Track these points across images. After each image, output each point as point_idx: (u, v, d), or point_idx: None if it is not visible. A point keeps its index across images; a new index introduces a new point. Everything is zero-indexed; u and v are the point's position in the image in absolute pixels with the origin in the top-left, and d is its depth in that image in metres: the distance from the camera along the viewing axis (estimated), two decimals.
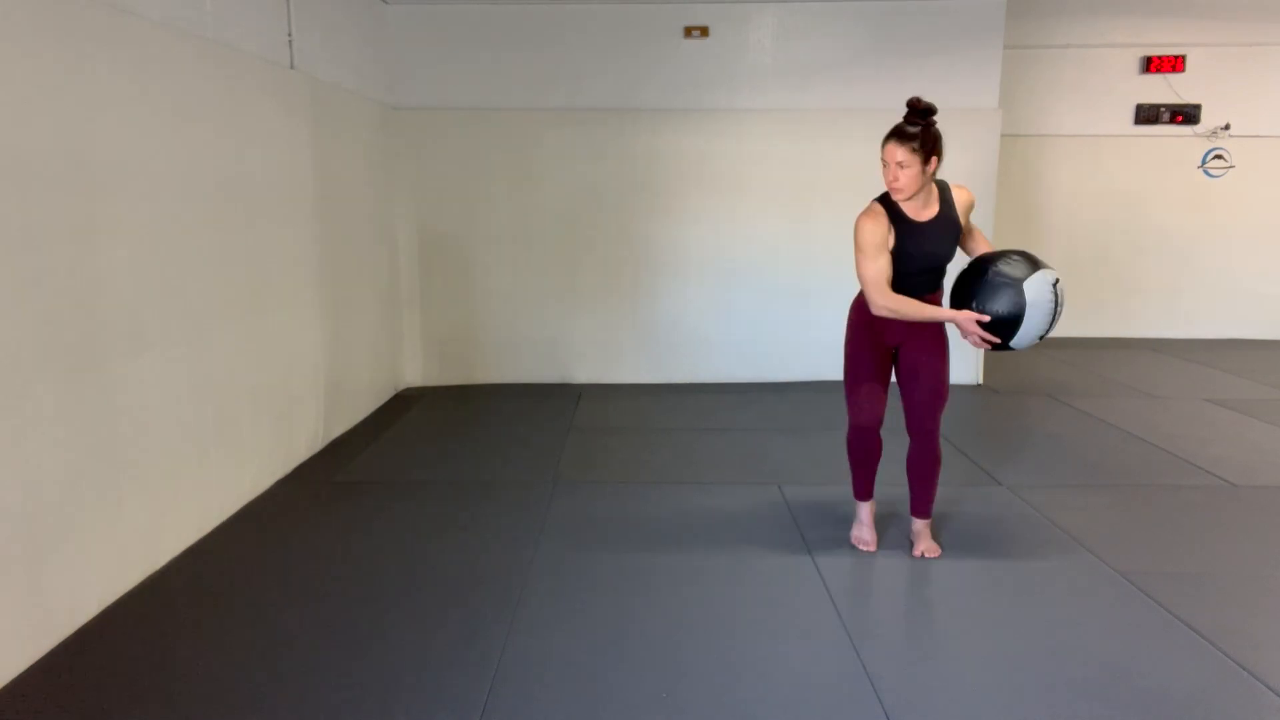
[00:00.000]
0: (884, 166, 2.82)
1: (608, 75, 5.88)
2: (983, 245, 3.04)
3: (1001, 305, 2.73)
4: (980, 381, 6.14)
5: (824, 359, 6.17)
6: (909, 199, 2.85)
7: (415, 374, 6.06)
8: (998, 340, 2.78)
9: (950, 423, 5.04)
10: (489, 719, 2.20)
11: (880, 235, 2.84)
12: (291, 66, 4.16)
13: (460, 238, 5.96)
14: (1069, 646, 2.54)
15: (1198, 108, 7.72)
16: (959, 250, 3.03)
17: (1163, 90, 7.73)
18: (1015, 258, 2.81)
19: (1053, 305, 2.74)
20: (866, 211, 2.89)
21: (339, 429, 4.76)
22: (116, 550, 2.83)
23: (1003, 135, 6.77)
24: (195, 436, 3.29)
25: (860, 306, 3.06)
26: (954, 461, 4.33)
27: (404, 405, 5.51)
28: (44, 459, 2.50)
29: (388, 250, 5.63)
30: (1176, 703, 2.26)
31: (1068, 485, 3.96)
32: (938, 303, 3.03)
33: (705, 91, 5.89)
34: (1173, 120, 7.74)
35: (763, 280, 6.04)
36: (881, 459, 3.24)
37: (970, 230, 3.05)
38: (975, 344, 2.82)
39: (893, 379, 3.16)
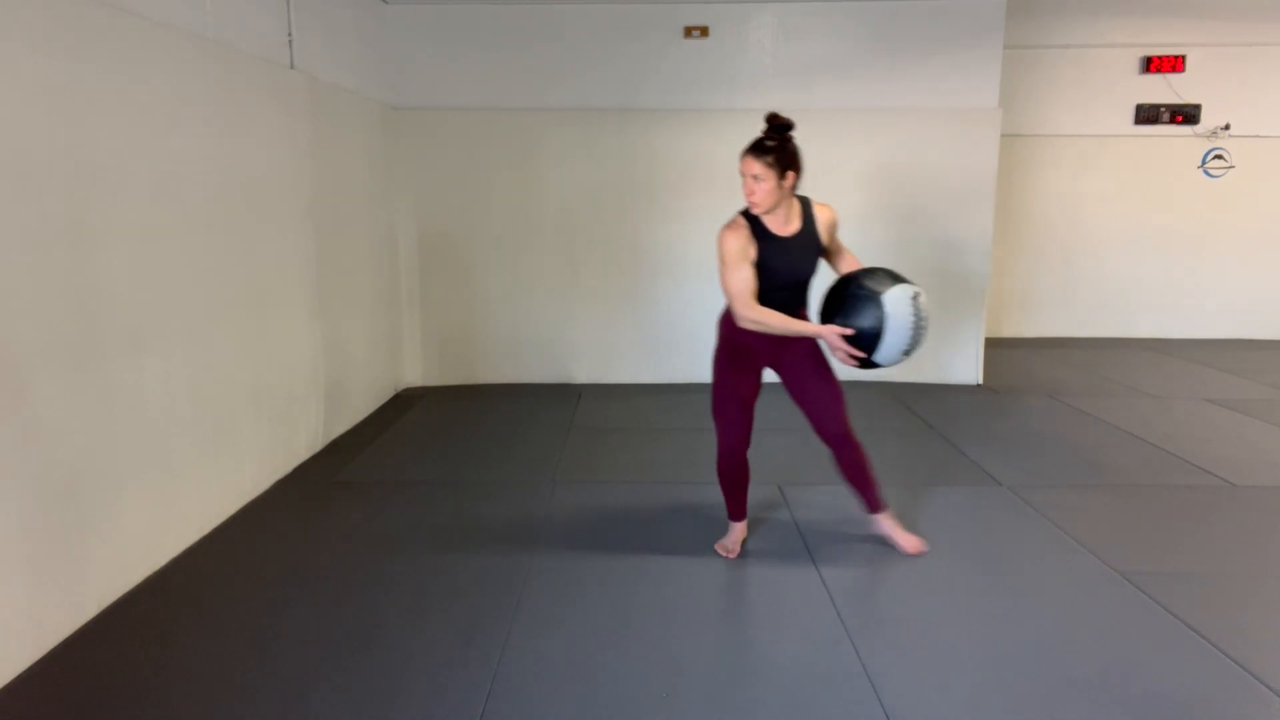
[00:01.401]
0: (742, 179, 2.85)
1: (608, 75, 5.88)
2: (851, 263, 3.07)
3: (863, 320, 2.74)
4: (980, 381, 6.14)
5: None
6: (767, 213, 2.87)
7: (415, 374, 6.06)
8: (863, 355, 2.78)
9: (950, 422, 5.05)
10: (489, 719, 2.20)
11: (740, 246, 2.84)
12: (291, 66, 4.16)
13: (460, 238, 5.96)
14: (1069, 646, 2.54)
15: (1198, 108, 7.72)
16: (830, 268, 3.08)
17: (1163, 90, 7.73)
18: (878, 274, 2.82)
19: (914, 319, 2.73)
20: (728, 224, 2.89)
21: (339, 429, 4.76)
22: (116, 550, 2.83)
23: (1003, 135, 6.78)
24: (195, 436, 3.29)
25: (728, 324, 3.04)
26: (954, 461, 4.33)
27: (404, 405, 5.51)
28: (44, 459, 2.50)
29: (388, 250, 5.63)
30: (1176, 703, 2.26)
31: (1068, 485, 3.96)
32: (804, 318, 3.05)
33: (705, 91, 5.89)
34: (1173, 120, 7.74)
35: None
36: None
37: (839, 249, 3.08)
38: (842, 360, 2.82)
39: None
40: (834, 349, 2.81)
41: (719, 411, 3.10)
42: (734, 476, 3.18)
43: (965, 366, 6.14)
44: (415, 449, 4.59)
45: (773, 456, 4.42)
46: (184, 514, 3.22)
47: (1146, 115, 7.74)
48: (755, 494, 3.83)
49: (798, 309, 3.01)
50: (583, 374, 6.14)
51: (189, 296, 3.25)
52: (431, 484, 4.00)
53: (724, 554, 3.20)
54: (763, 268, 2.87)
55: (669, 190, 5.99)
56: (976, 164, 5.92)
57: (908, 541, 3.20)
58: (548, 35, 5.82)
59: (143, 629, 2.64)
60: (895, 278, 2.80)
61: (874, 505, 3.20)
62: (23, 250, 2.42)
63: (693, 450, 4.52)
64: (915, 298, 2.75)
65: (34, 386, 2.46)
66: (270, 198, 3.91)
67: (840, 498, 3.79)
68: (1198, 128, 7.79)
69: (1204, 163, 7.87)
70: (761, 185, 2.79)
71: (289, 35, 4.14)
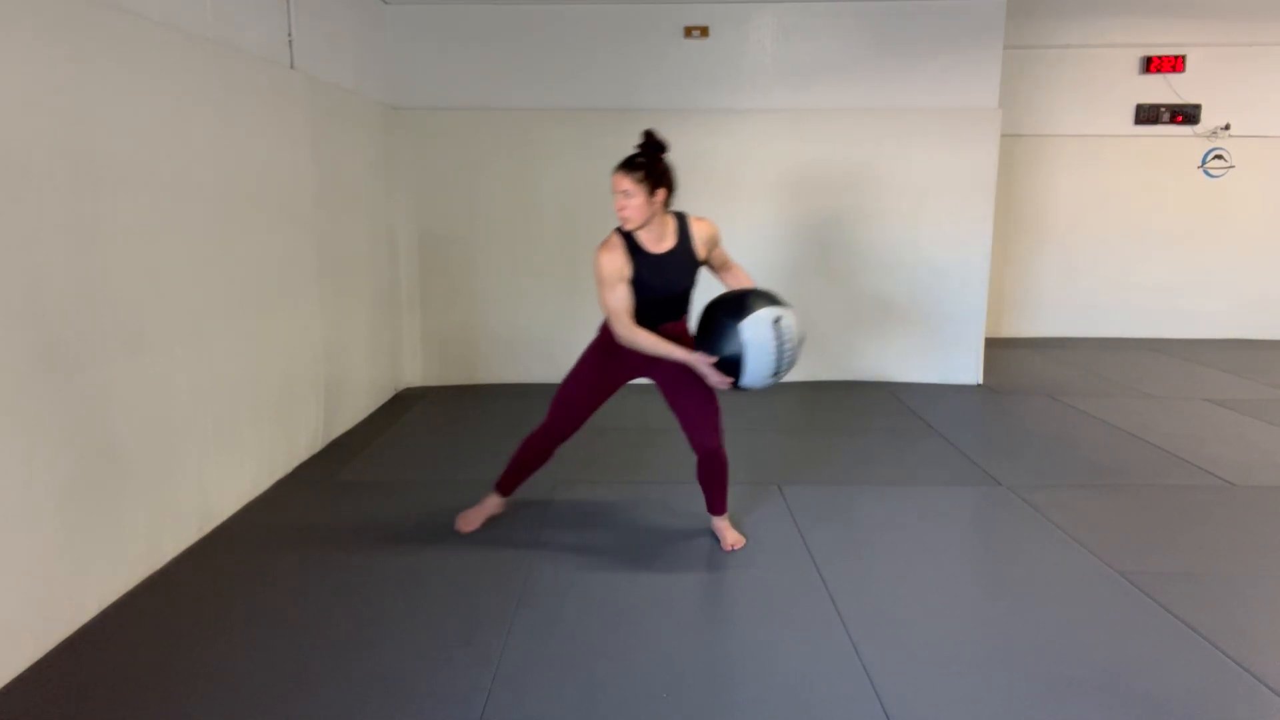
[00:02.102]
0: (614, 196, 2.89)
1: (608, 75, 5.88)
2: (738, 278, 3.11)
3: (726, 347, 2.77)
4: (980, 382, 6.14)
5: (824, 359, 6.18)
6: (639, 229, 2.91)
7: (415, 374, 6.06)
8: (732, 380, 2.82)
9: (950, 423, 5.05)
10: (489, 719, 2.20)
11: (616, 266, 2.89)
12: (291, 66, 4.16)
13: (460, 238, 5.96)
14: (1069, 646, 2.54)
15: (1198, 108, 7.72)
16: (723, 282, 3.14)
17: (1163, 90, 7.73)
18: (745, 298, 2.83)
19: (775, 344, 2.74)
20: (604, 243, 2.95)
21: (339, 429, 4.76)
22: (116, 550, 2.83)
23: (1003, 135, 6.78)
24: (195, 436, 3.29)
25: (607, 330, 3.11)
26: (954, 461, 4.33)
27: (404, 405, 5.51)
28: (44, 459, 2.50)
29: (388, 250, 5.63)
30: (1176, 703, 2.26)
31: (1068, 485, 3.96)
32: (683, 329, 3.10)
33: (705, 91, 5.89)
34: (1173, 120, 7.74)
35: (761, 280, 6.02)
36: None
37: (726, 264, 3.13)
38: (716, 385, 2.87)
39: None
40: (706, 376, 2.86)
41: (560, 400, 3.18)
42: (532, 455, 3.28)
43: (965, 366, 6.14)
44: (415, 449, 4.59)
45: (773, 456, 4.42)
46: (184, 514, 3.22)
47: (1146, 115, 7.74)
48: (755, 494, 3.83)
49: (676, 321, 3.08)
50: None
51: (188, 296, 3.25)
52: (431, 484, 4.00)
53: (461, 526, 3.33)
54: (638, 284, 2.93)
55: None
56: (976, 164, 5.92)
57: (732, 537, 3.26)
58: (548, 35, 5.83)
59: (143, 629, 2.64)
60: (762, 301, 2.80)
61: (717, 508, 3.29)
62: (22, 250, 2.41)
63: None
64: (776, 321, 2.75)
65: (33, 386, 2.46)
66: (270, 198, 3.91)
67: (840, 498, 3.79)
68: (1198, 128, 7.79)
69: (1204, 163, 7.87)
70: (632, 201, 2.85)
71: (289, 35, 4.14)
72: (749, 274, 3.16)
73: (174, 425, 3.15)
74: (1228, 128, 7.77)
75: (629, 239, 2.94)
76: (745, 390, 2.86)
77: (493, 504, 3.41)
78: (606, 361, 3.14)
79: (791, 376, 6.16)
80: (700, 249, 3.02)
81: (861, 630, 2.64)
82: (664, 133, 6.51)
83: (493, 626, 2.66)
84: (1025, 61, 7.62)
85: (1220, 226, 7.93)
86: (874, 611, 2.77)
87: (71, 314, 2.61)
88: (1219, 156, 7.84)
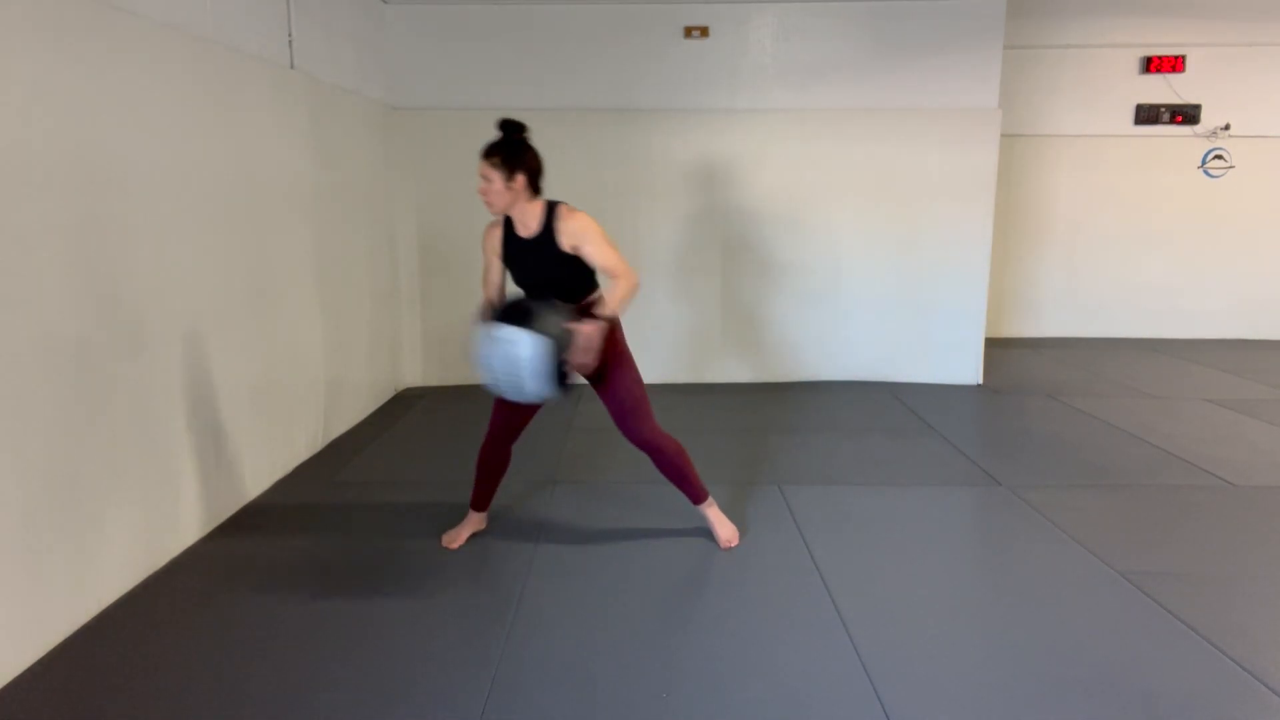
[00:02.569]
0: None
1: (608, 75, 5.88)
2: (612, 286, 2.95)
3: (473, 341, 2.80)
4: (980, 382, 6.14)
5: (824, 359, 6.18)
6: (502, 213, 2.97)
7: (415, 374, 6.06)
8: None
9: (950, 423, 5.05)
10: (489, 719, 2.20)
11: (490, 244, 3.07)
12: (291, 66, 4.16)
13: (460, 237, 5.95)
14: (1069, 646, 2.54)
15: (1198, 108, 7.72)
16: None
17: (1163, 90, 7.73)
18: (505, 310, 2.79)
19: (484, 359, 2.74)
20: (492, 222, 3.07)
21: (339, 429, 4.76)
22: (116, 550, 2.83)
23: (1003, 135, 6.78)
24: (195, 436, 3.29)
25: None
26: (954, 461, 4.33)
27: (404, 405, 5.51)
28: (44, 459, 2.50)
29: (388, 250, 5.63)
30: (1176, 703, 2.26)
31: (1068, 485, 3.96)
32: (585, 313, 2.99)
33: (705, 91, 5.89)
34: (1173, 120, 7.74)
35: (762, 280, 6.04)
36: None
37: (604, 269, 2.97)
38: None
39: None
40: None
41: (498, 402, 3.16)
42: (490, 466, 3.28)
43: (965, 366, 6.14)
44: (415, 449, 4.59)
45: (773, 456, 4.42)
46: (184, 513, 3.22)
47: (1146, 115, 7.74)
48: (755, 494, 3.83)
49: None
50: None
51: (188, 296, 3.25)
52: (431, 484, 4.00)
53: (446, 544, 3.27)
54: (509, 265, 3.05)
55: (668, 190, 5.99)
56: (976, 164, 5.92)
57: (726, 531, 3.25)
58: (547, 35, 5.83)
59: (143, 629, 2.64)
60: (510, 313, 2.76)
61: (697, 495, 3.26)
62: (23, 250, 2.42)
63: (692, 450, 4.51)
64: (489, 337, 2.73)
65: (34, 385, 2.46)
66: (270, 198, 3.91)
67: (840, 498, 3.79)
68: (1198, 128, 7.79)
69: (1204, 163, 7.87)
70: (491, 187, 2.89)
71: (289, 35, 4.14)
72: (619, 292, 2.93)
73: (174, 425, 3.15)
74: (1228, 128, 7.77)
75: (508, 220, 3.02)
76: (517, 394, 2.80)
77: (474, 521, 3.38)
78: None
79: (791, 376, 6.17)
80: (564, 240, 2.94)
81: (861, 630, 2.64)
82: (663, 133, 6.51)
83: (493, 626, 2.66)
84: (1025, 61, 7.62)
85: (1220, 226, 7.93)
86: (874, 611, 2.77)
87: (71, 314, 2.61)
88: (1219, 156, 7.84)
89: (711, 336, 6.14)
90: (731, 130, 5.90)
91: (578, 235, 2.94)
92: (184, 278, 3.22)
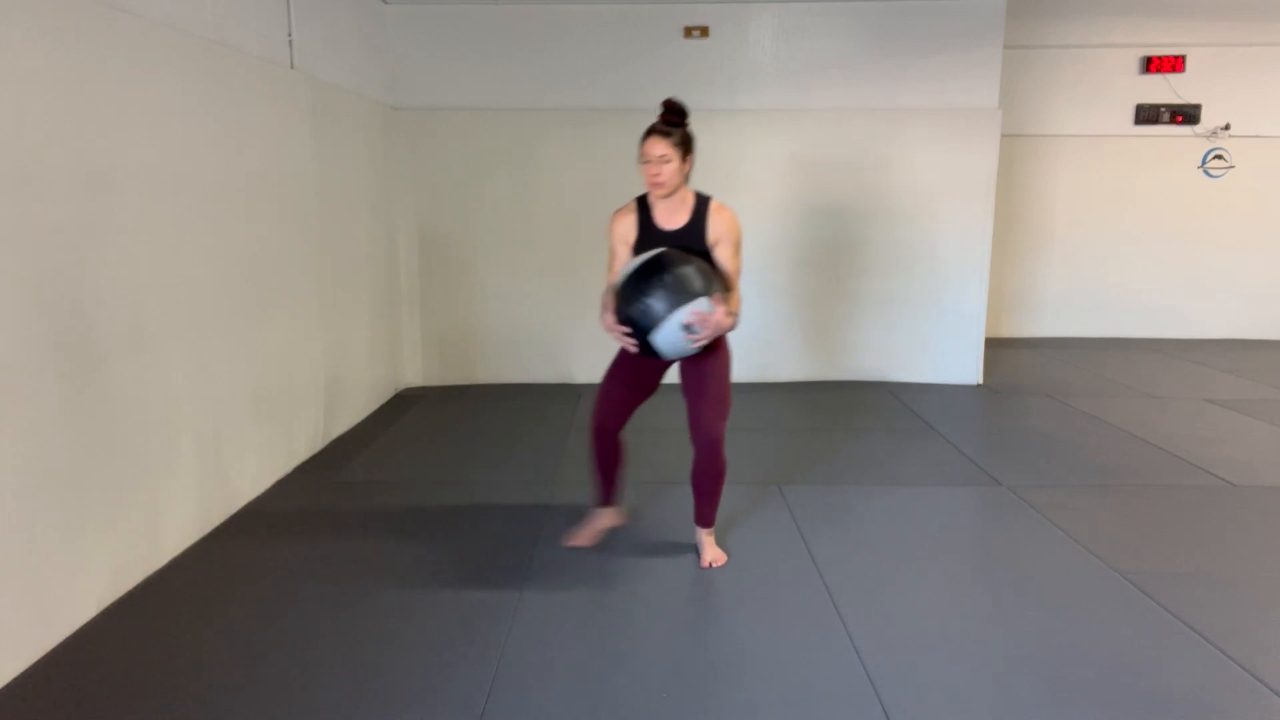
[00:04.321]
0: (645, 164, 2.83)
1: (607, 75, 5.88)
2: (730, 295, 2.90)
3: (622, 305, 2.73)
4: (980, 382, 6.14)
5: (824, 359, 6.18)
6: (668, 196, 2.86)
7: (415, 374, 6.06)
8: (635, 342, 2.75)
9: (950, 423, 5.05)
10: (489, 719, 2.20)
11: (619, 231, 2.93)
12: (291, 66, 4.16)
13: (460, 238, 5.96)
14: (1069, 646, 2.54)
15: (1198, 108, 7.72)
16: None
17: (1163, 90, 7.73)
18: (641, 263, 2.76)
19: (632, 279, 2.67)
20: (620, 207, 2.98)
21: (339, 429, 4.76)
22: (116, 550, 2.83)
23: (1003, 135, 6.78)
24: (195, 436, 3.29)
25: None
26: (954, 461, 4.33)
27: (404, 405, 5.51)
28: (44, 459, 2.50)
29: (388, 250, 5.63)
30: (1176, 703, 2.26)
31: (1068, 485, 3.96)
32: None
33: (705, 91, 5.89)
34: (1173, 120, 7.74)
35: (762, 280, 6.04)
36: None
37: (724, 265, 2.91)
38: (627, 346, 2.80)
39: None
40: (616, 339, 2.81)
41: (602, 393, 3.07)
42: (598, 456, 3.16)
43: (965, 366, 6.14)
44: (415, 449, 4.59)
45: (773, 456, 4.42)
46: (184, 514, 3.22)
47: (1146, 115, 7.74)
48: (755, 494, 3.83)
49: None
50: (583, 374, 6.14)
51: (188, 296, 3.25)
52: (431, 484, 4.00)
53: (572, 544, 3.22)
54: (637, 254, 2.89)
55: None
56: (976, 164, 5.92)
57: (711, 554, 3.12)
58: (547, 35, 5.82)
59: (143, 629, 2.64)
60: (652, 264, 2.73)
61: (707, 519, 3.14)
62: (21, 249, 2.41)
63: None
64: (642, 268, 2.69)
65: (34, 386, 2.46)
66: (270, 198, 3.90)
67: (840, 498, 3.79)
68: (1198, 128, 7.79)
69: (1204, 163, 7.87)
70: (668, 166, 2.81)
71: (289, 35, 4.14)
72: (735, 298, 2.91)
73: (174, 425, 3.15)
74: (1228, 128, 7.77)
75: (643, 210, 2.92)
76: (657, 351, 2.75)
77: (604, 517, 3.28)
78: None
79: (791, 376, 6.17)
80: (711, 235, 2.90)
81: (861, 630, 2.64)
82: None
83: (493, 626, 2.65)
84: (1025, 61, 7.62)
85: (1220, 226, 7.93)
86: (874, 611, 2.77)
87: (72, 314, 2.61)
88: (1219, 156, 7.84)
89: None
90: (731, 130, 5.89)
91: (724, 232, 2.90)
92: (183, 277, 3.22)
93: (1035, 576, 3.02)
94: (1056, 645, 2.55)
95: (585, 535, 3.26)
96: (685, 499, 3.74)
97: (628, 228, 2.92)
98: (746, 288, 6.05)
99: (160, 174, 3.07)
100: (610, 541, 3.32)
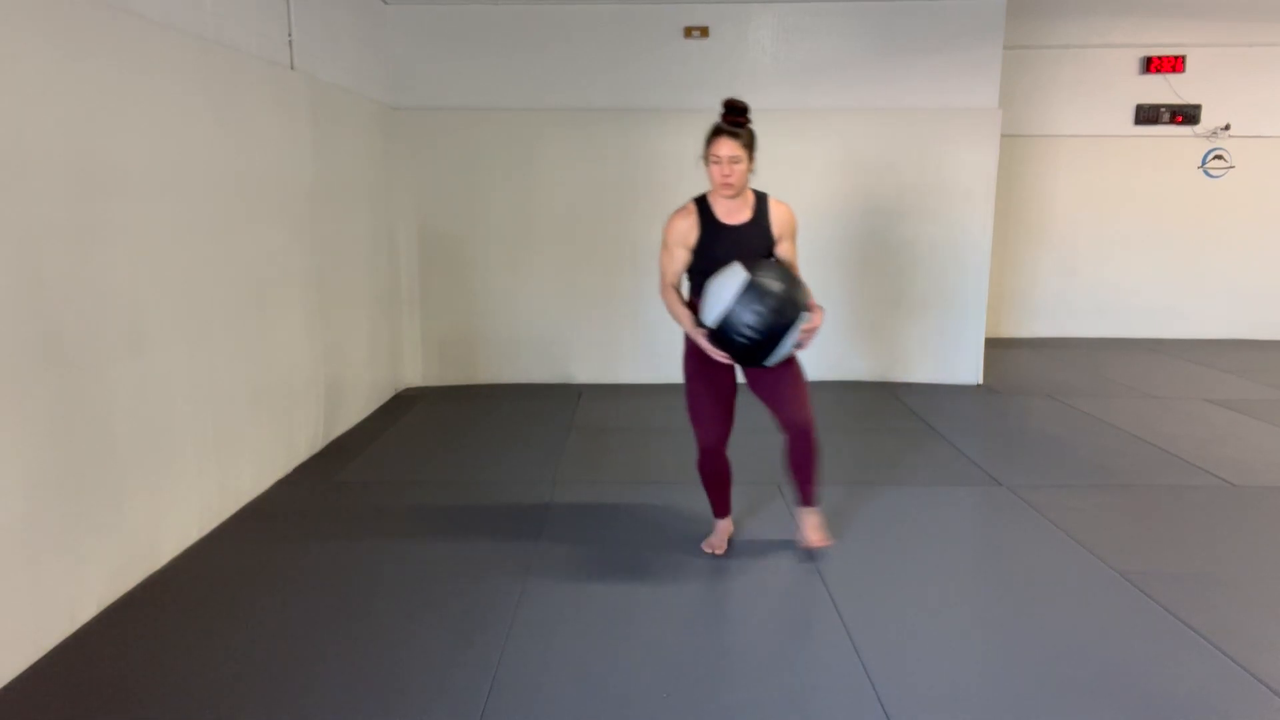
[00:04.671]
0: (714, 163, 2.86)
1: (608, 75, 5.88)
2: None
3: (707, 316, 2.76)
4: (980, 382, 6.14)
5: (824, 359, 6.18)
6: (733, 197, 2.90)
7: (415, 374, 6.06)
8: (724, 353, 2.78)
9: (950, 423, 5.05)
10: (489, 719, 2.20)
11: (680, 232, 2.92)
12: (291, 67, 4.16)
13: (460, 238, 5.96)
14: (1069, 646, 2.54)
15: (1198, 108, 7.72)
16: None
17: (1163, 90, 7.73)
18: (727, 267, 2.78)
19: (739, 294, 2.66)
20: (679, 209, 2.97)
21: (339, 429, 4.76)
22: (116, 550, 2.83)
23: (1003, 135, 6.78)
24: (195, 436, 3.29)
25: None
26: (954, 461, 4.33)
27: (404, 405, 5.51)
28: (44, 459, 2.50)
29: (388, 250, 5.63)
30: (1176, 703, 2.26)
31: (1068, 485, 3.96)
32: None
33: (705, 91, 5.88)
34: (1173, 120, 7.74)
35: None
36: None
37: (788, 257, 3.00)
38: (715, 356, 2.82)
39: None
40: (703, 347, 2.83)
41: (692, 411, 3.08)
42: (709, 477, 3.18)
43: (965, 366, 6.14)
44: (415, 449, 4.59)
45: (772, 456, 4.42)
46: (184, 514, 3.22)
47: (1146, 115, 7.74)
48: (755, 494, 3.83)
49: None
50: (583, 374, 6.14)
51: (188, 296, 3.25)
52: (431, 484, 4.00)
53: (710, 551, 3.21)
54: (701, 253, 2.91)
55: (669, 190, 5.97)
56: (976, 164, 5.92)
57: (815, 535, 3.16)
58: (547, 35, 5.82)
59: (143, 629, 2.64)
60: (742, 266, 2.74)
61: (811, 499, 3.17)
62: (21, 249, 2.41)
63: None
64: (749, 278, 2.70)
65: (34, 386, 2.46)
66: (270, 198, 3.90)
67: (840, 498, 3.79)
68: (1198, 128, 7.79)
69: (1204, 163, 7.87)
70: (738, 167, 2.85)
71: (289, 35, 4.14)
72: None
73: (174, 425, 3.15)
74: (1228, 128, 7.77)
75: (703, 209, 2.93)
76: (753, 356, 2.76)
77: (723, 527, 3.29)
78: (702, 359, 3.02)
79: None
80: (776, 228, 2.97)
81: (862, 630, 2.64)
82: (664, 133, 6.53)
83: (493, 626, 2.65)
84: (1025, 61, 7.62)
85: (1220, 226, 7.93)
86: (874, 611, 2.77)
87: (72, 314, 2.61)
88: (1219, 156, 7.84)
89: None
90: None
91: (787, 225, 2.99)
92: (184, 278, 3.22)
93: (1035, 576, 3.02)
94: (1056, 645, 2.55)
95: (719, 543, 3.25)
96: (684, 498, 3.75)
97: (688, 229, 2.92)
98: None
99: (160, 174, 3.07)
100: (610, 542, 3.32)
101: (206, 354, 3.37)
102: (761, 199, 2.99)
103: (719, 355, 2.81)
